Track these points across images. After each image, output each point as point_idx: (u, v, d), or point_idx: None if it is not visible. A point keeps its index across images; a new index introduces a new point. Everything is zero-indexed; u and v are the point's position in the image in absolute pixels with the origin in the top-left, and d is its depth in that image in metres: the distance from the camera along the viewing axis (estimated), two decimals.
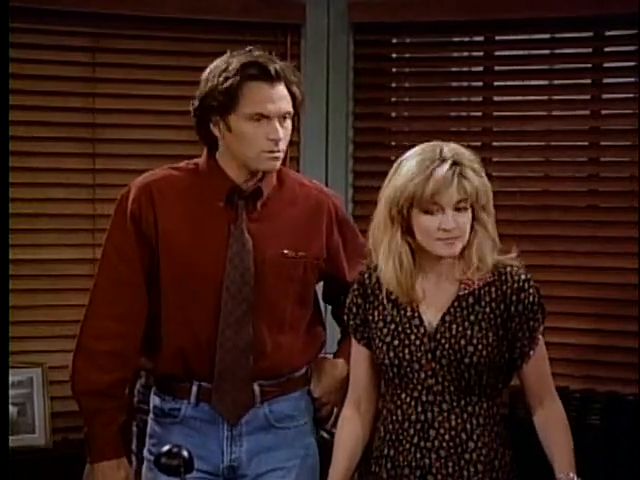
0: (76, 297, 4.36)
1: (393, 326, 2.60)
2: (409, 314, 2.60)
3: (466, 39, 4.59)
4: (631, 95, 4.29)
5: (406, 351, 2.58)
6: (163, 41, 4.44)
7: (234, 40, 4.47)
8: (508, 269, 2.59)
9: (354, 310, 2.69)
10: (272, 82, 2.66)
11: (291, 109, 2.70)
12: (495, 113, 4.55)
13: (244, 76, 2.66)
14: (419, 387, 2.58)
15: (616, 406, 3.97)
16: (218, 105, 2.68)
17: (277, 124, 2.66)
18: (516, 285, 2.57)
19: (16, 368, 4.10)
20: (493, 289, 2.58)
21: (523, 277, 2.58)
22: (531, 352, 2.58)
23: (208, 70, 2.75)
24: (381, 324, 2.62)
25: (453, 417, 2.56)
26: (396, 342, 2.59)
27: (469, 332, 2.55)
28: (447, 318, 2.57)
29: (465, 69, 4.65)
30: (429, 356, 2.56)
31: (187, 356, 2.75)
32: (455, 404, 2.56)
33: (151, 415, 2.88)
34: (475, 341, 2.54)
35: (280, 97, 2.67)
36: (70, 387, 2.86)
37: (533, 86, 4.45)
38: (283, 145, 2.70)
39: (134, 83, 4.42)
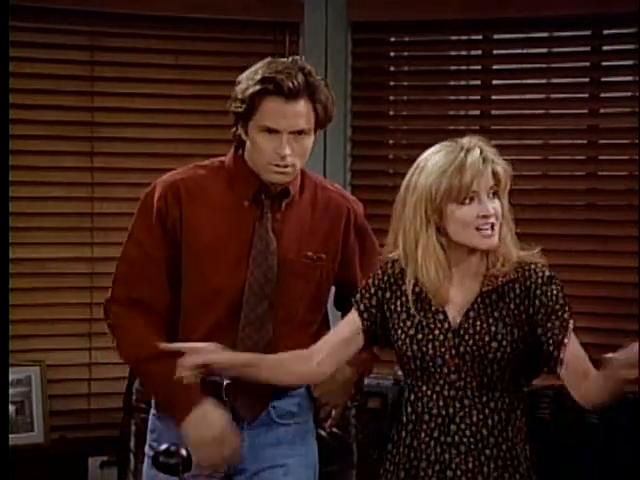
0: (74, 295, 4.37)
1: (417, 320, 2.60)
2: (433, 309, 2.60)
3: (464, 38, 4.59)
4: (629, 94, 4.30)
5: (430, 346, 2.58)
6: (161, 39, 4.44)
7: (233, 39, 4.50)
8: (532, 266, 2.59)
9: (372, 291, 2.66)
10: (287, 99, 2.68)
11: (307, 126, 2.71)
12: (493, 112, 4.56)
13: (262, 89, 2.69)
14: (441, 382, 2.58)
15: (614, 404, 3.97)
16: (239, 111, 2.72)
17: (285, 140, 2.69)
18: (540, 281, 2.56)
19: (15, 366, 4.10)
20: (517, 285, 2.57)
21: (547, 274, 2.58)
22: (565, 340, 2.55)
23: (241, 76, 2.77)
24: (404, 315, 2.62)
25: (475, 412, 2.56)
26: (420, 336, 2.58)
27: (493, 328, 2.55)
28: (471, 314, 2.57)
29: (463, 68, 4.66)
30: (453, 352, 2.56)
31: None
32: (477, 400, 2.56)
33: (153, 410, 2.88)
34: (499, 337, 2.54)
35: (295, 114, 2.68)
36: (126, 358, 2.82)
37: (531, 85, 4.46)
38: (294, 160, 2.72)
39: (132, 82, 4.42)
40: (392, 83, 4.70)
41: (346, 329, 2.68)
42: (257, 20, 4.49)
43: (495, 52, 4.51)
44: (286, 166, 2.71)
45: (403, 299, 2.64)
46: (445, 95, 4.66)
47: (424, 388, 2.60)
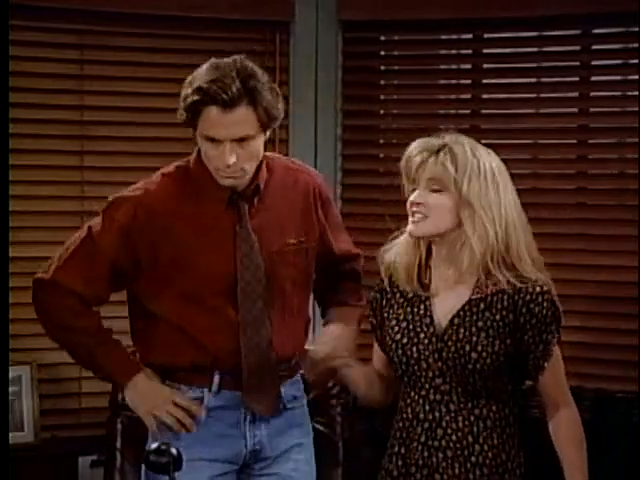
0: None
1: (405, 324, 2.62)
2: (422, 312, 2.61)
3: (454, 37, 4.59)
4: (619, 93, 4.30)
5: (414, 349, 2.59)
6: (151, 38, 4.43)
7: (223, 37, 4.49)
8: (525, 280, 2.59)
9: (373, 305, 2.73)
10: (224, 108, 2.65)
11: (250, 132, 2.68)
12: (483, 111, 4.56)
13: (199, 99, 2.66)
14: (427, 386, 2.59)
15: (605, 404, 3.98)
16: (183, 119, 2.73)
17: (228, 148, 2.67)
18: (529, 297, 2.56)
19: None
20: (505, 297, 2.57)
21: (538, 289, 2.57)
22: (545, 364, 2.59)
23: (186, 80, 2.75)
24: (394, 322, 2.65)
25: (460, 419, 2.57)
26: (405, 340, 2.60)
27: (475, 338, 2.55)
28: (456, 321, 2.58)
29: (453, 67, 4.66)
30: (436, 356, 2.57)
31: (216, 353, 2.78)
32: (462, 405, 2.57)
33: None
34: (480, 348, 2.54)
35: (235, 122, 2.66)
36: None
37: (521, 84, 4.46)
38: (243, 164, 2.71)
39: (122, 80, 4.41)
40: (382, 82, 4.70)
41: (377, 360, 2.75)
42: (247, 19, 4.48)
43: (485, 51, 4.51)
44: (234, 172, 2.71)
45: (395, 307, 2.65)
46: (435, 94, 4.66)
47: (412, 394, 2.62)
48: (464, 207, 2.56)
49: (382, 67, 4.71)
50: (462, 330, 2.56)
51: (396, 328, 2.62)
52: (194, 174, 2.80)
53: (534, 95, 4.49)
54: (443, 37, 4.60)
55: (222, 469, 2.80)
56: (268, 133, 2.77)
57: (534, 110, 4.48)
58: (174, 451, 2.37)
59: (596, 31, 4.32)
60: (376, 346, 2.74)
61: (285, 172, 2.88)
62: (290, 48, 4.54)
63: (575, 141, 4.44)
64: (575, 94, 4.43)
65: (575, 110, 4.43)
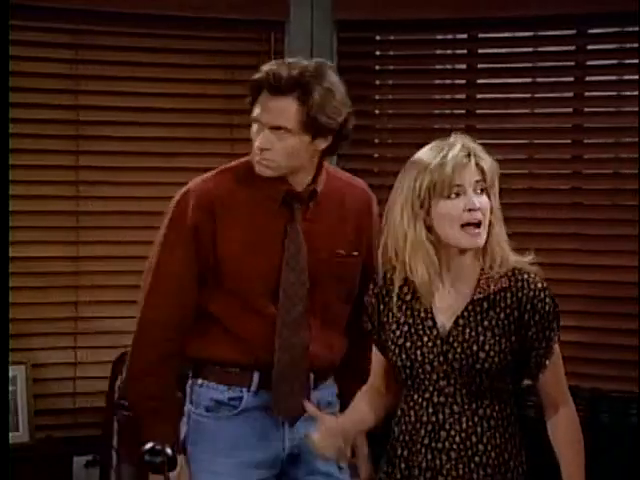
0: (60, 294, 4.36)
1: (406, 328, 2.59)
2: (422, 315, 2.58)
3: (449, 37, 4.60)
4: (614, 93, 4.31)
5: (418, 353, 2.57)
6: (147, 38, 4.43)
7: (218, 37, 4.50)
8: (525, 276, 2.56)
9: (369, 311, 2.68)
10: (274, 93, 2.68)
11: (287, 124, 2.69)
12: (478, 111, 4.56)
13: (261, 81, 2.70)
14: (431, 388, 2.57)
15: (601, 403, 3.99)
16: (248, 102, 2.76)
17: (265, 134, 2.69)
18: (532, 293, 2.55)
19: None
20: (509, 295, 2.55)
21: (540, 285, 2.56)
22: (547, 362, 2.58)
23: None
24: (394, 326, 2.61)
25: (464, 419, 2.55)
26: (408, 344, 2.57)
27: (482, 338, 2.53)
28: (460, 322, 2.55)
29: (448, 67, 4.67)
30: (441, 359, 2.55)
31: (257, 352, 2.77)
32: (466, 406, 2.55)
33: (197, 410, 2.83)
34: (487, 347, 2.53)
35: (278, 109, 2.68)
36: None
37: (516, 84, 4.46)
38: (273, 156, 2.71)
39: (117, 80, 4.41)
40: (378, 82, 4.70)
41: (377, 363, 2.71)
42: (243, 19, 4.48)
43: (480, 51, 4.51)
44: (266, 158, 2.71)
45: (394, 310, 2.62)
46: (430, 94, 4.66)
47: (415, 397, 2.60)
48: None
49: (377, 67, 4.71)
50: (468, 330, 2.54)
51: (398, 332, 2.60)
52: (253, 171, 2.77)
53: (529, 95, 4.50)
54: (438, 37, 4.61)
55: (261, 475, 2.78)
56: (318, 141, 2.74)
57: (529, 110, 4.49)
58: (169, 451, 2.37)
59: (591, 31, 4.33)
60: (375, 350, 2.71)
61: (343, 184, 2.87)
62: (285, 47, 4.53)
63: (570, 141, 4.45)
64: (570, 94, 4.43)
65: (570, 110, 4.43)
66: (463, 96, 4.59)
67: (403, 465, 2.60)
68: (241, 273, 2.74)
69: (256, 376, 2.77)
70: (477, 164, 2.52)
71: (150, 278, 2.78)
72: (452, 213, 2.51)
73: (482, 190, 2.53)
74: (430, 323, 2.57)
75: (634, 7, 4.01)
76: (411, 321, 2.59)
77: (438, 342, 2.56)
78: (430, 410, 2.57)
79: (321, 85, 2.70)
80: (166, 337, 2.75)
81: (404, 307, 2.60)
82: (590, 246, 4.30)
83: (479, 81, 4.53)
